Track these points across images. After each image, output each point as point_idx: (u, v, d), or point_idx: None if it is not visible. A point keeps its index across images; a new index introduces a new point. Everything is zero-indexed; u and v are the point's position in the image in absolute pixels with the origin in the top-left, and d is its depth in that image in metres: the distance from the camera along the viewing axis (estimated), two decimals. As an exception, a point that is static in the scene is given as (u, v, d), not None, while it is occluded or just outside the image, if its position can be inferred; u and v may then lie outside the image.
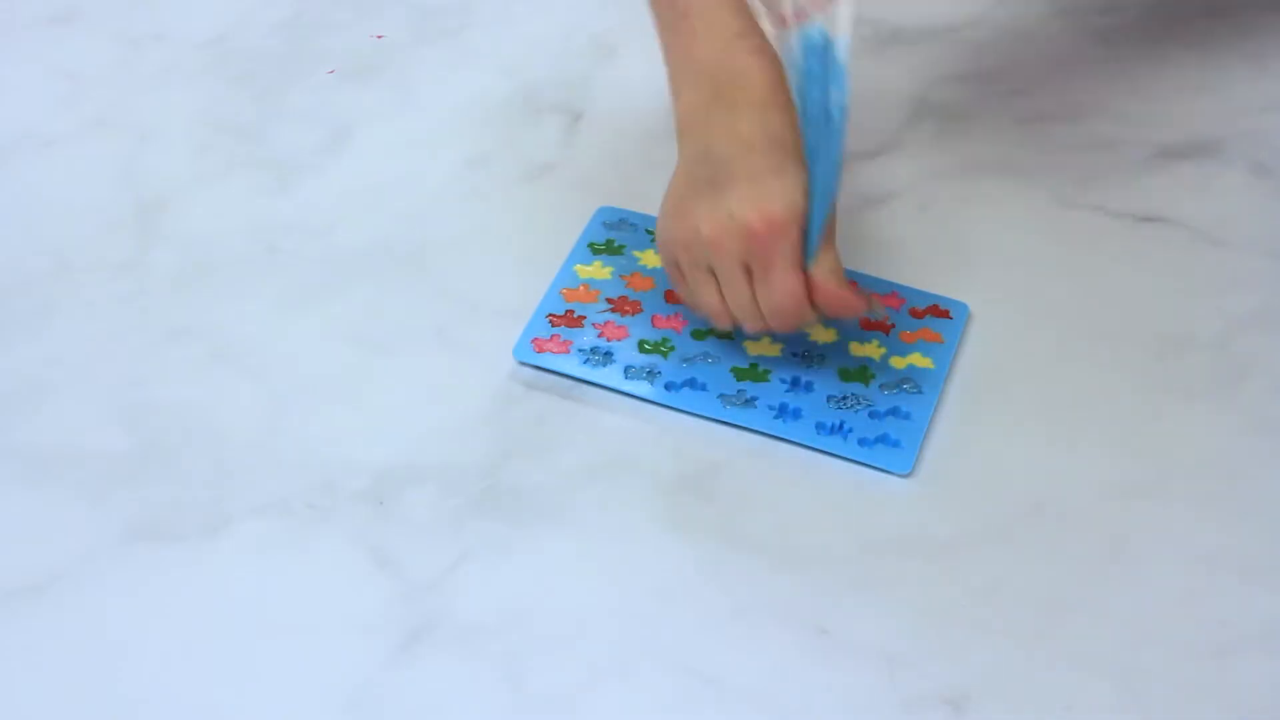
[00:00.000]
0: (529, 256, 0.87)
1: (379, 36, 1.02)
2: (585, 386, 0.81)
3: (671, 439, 0.79)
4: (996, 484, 0.77)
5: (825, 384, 0.80)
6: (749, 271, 0.75)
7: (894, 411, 0.79)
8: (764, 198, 0.74)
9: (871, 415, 0.79)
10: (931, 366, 0.81)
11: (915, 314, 0.83)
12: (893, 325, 0.83)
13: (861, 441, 0.78)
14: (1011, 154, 0.93)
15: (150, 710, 0.70)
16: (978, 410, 0.80)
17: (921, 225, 0.89)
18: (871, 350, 0.82)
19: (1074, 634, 0.71)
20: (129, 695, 0.71)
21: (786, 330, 0.78)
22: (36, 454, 0.80)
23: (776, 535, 0.75)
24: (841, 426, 0.78)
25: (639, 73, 0.98)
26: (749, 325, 0.77)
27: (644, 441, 0.79)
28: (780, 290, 0.75)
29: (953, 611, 0.72)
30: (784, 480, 0.78)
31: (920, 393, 0.80)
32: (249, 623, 0.73)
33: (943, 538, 0.75)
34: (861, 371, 0.81)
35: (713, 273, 0.76)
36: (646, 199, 0.91)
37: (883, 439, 0.77)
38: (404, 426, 0.80)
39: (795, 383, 0.80)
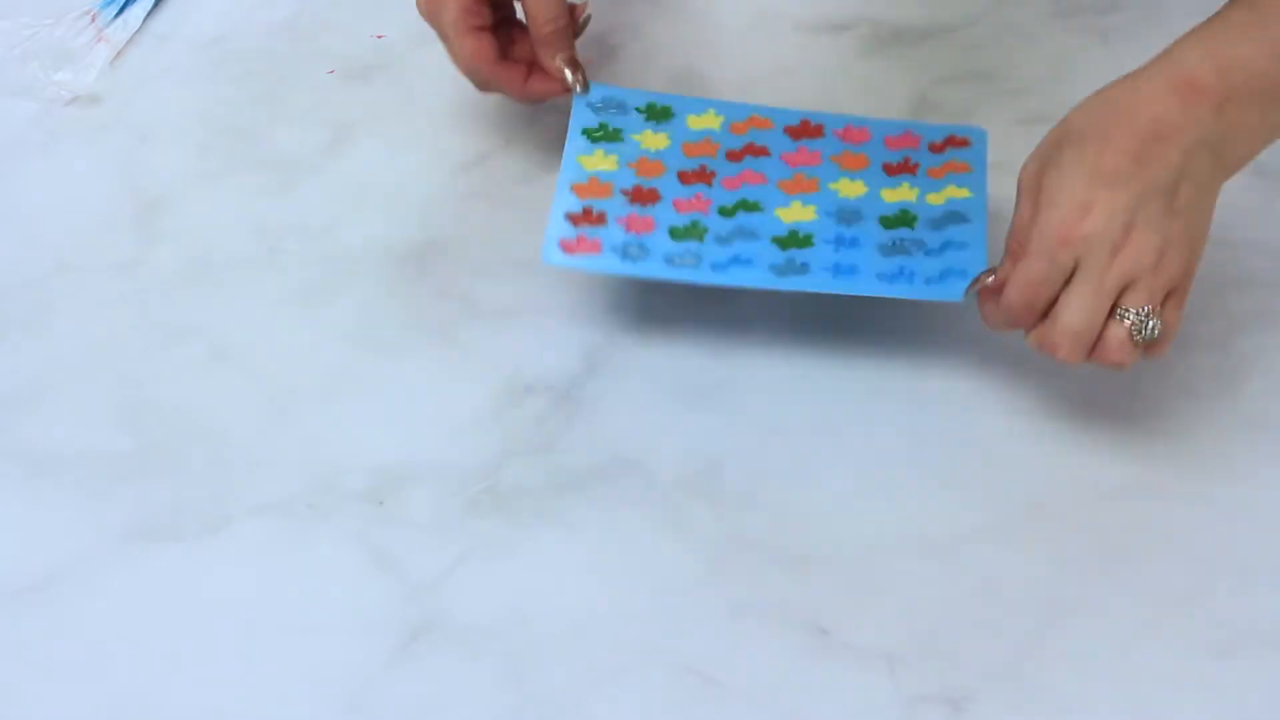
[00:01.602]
0: (529, 256, 0.87)
1: (379, 36, 1.02)
2: (585, 386, 0.81)
3: (672, 439, 0.79)
4: (996, 484, 0.77)
5: (871, 236, 0.79)
6: None
7: (949, 244, 0.78)
8: None
9: (928, 254, 0.77)
10: (969, 195, 0.80)
11: (935, 148, 0.83)
12: (917, 164, 0.82)
13: (928, 280, 0.76)
14: (1011, 154, 0.93)
15: (150, 710, 0.70)
16: (975, 408, 0.80)
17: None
18: (905, 193, 0.80)
19: (1074, 634, 0.71)
20: (129, 695, 0.71)
21: None
22: (36, 454, 0.80)
23: (776, 535, 0.75)
24: (903, 271, 0.77)
25: (639, 73, 0.98)
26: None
27: (644, 441, 0.79)
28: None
29: (953, 611, 0.72)
30: (784, 479, 0.78)
31: (968, 221, 0.79)
32: (249, 623, 0.73)
33: (943, 537, 0.75)
34: (903, 216, 0.79)
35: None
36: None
37: (947, 273, 0.76)
38: (404, 426, 0.80)
39: (840, 240, 0.78)
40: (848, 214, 0.80)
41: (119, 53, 1.01)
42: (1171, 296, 0.70)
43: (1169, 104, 0.68)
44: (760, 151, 0.83)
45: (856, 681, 0.70)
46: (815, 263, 0.78)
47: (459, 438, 0.80)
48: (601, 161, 0.83)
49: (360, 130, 0.96)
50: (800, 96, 0.96)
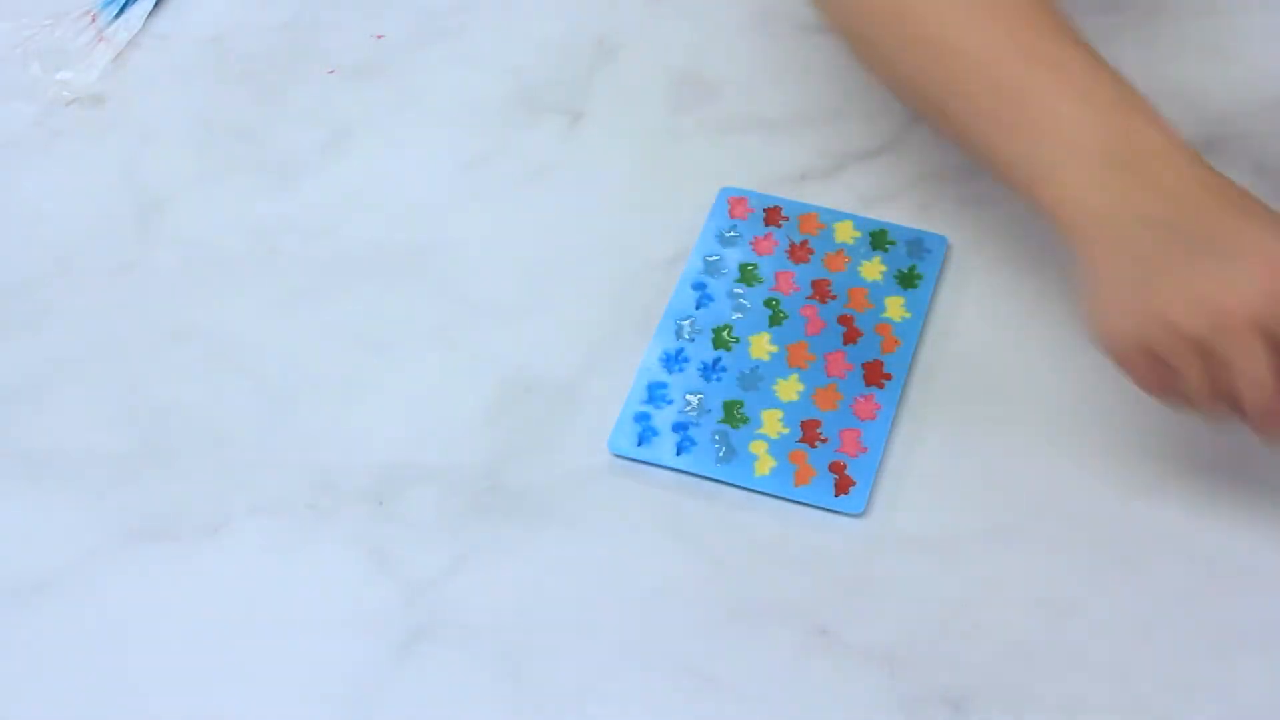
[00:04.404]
0: (529, 257, 0.87)
1: (379, 36, 1.02)
2: (585, 388, 0.81)
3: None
4: (996, 485, 0.77)
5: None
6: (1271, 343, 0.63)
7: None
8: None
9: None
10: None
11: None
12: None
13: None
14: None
15: (150, 710, 0.70)
16: (975, 408, 0.80)
17: (921, 225, 0.88)
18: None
19: (1074, 634, 0.72)
20: (129, 695, 0.71)
21: None
22: (36, 454, 0.80)
23: (776, 535, 0.75)
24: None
25: (639, 73, 0.99)
26: (1271, 410, 0.65)
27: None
28: None
29: (953, 611, 0.72)
30: (784, 480, 0.78)
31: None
32: (249, 623, 0.73)
33: (943, 537, 0.75)
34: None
35: (1198, 356, 0.64)
36: (646, 201, 0.91)
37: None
38: (404, 426, 0.80)
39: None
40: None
41: (119, 53, 1.01)
42: None
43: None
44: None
45: (856, 681, 0.70)
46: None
47: (459, 437, 0.80)
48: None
49: (360, 130, 0.96)
50: (800, 96, 0.96)
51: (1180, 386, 0.66)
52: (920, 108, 0.75)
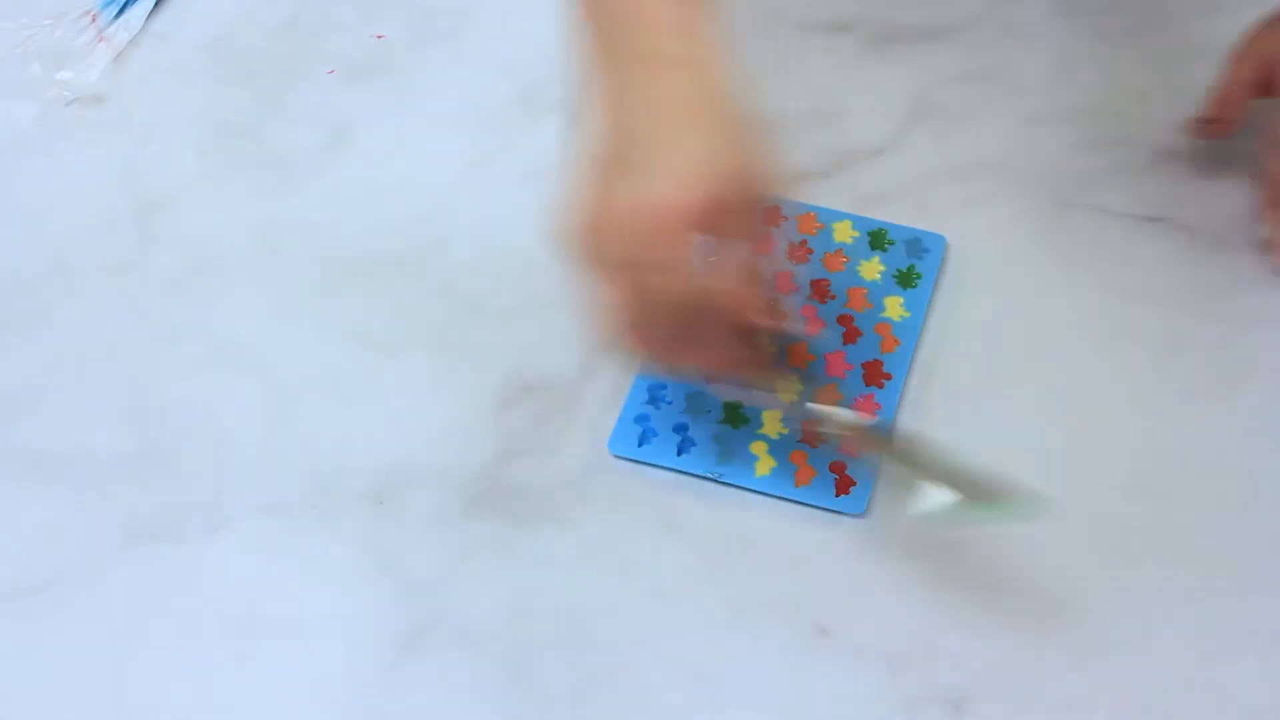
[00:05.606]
0: (529, 257, 0.87)
1: (379, 36, 1.02)
2: (585, 388, 0.81)
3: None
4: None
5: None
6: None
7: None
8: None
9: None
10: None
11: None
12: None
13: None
14: (1011, 154, 0.93)
15: (150, 710, 0.70)
16: (975, 407, 0.80)
17: (920, 225, 0.89)
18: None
19: (1074, 634, 0.72)
20: (129, 695, 0.71)
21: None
22: (36, 454, 0.80)
23: (776, 535, 0.75)
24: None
25: (639, 73, 0.99)
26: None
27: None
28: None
29: (953, 611, 0.72)
30: (784, 480, 0.78)
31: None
32: (249, 623, 0.73)
33: (943, 538, 0.75)
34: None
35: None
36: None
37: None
38: (404, 426, 0.80)
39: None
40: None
41: (120, 53, 1.01)
42: None
43: None
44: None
45: (856, 681, 0.70)
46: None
47: (459, 438, 0.80)
48: None
49: (360, 130, 0.96)
50: (800, 96, 0.96)
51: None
52: None
